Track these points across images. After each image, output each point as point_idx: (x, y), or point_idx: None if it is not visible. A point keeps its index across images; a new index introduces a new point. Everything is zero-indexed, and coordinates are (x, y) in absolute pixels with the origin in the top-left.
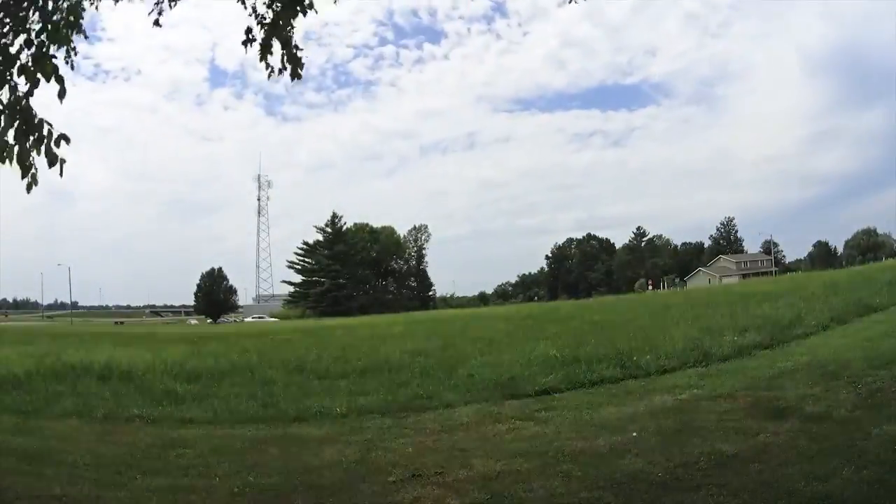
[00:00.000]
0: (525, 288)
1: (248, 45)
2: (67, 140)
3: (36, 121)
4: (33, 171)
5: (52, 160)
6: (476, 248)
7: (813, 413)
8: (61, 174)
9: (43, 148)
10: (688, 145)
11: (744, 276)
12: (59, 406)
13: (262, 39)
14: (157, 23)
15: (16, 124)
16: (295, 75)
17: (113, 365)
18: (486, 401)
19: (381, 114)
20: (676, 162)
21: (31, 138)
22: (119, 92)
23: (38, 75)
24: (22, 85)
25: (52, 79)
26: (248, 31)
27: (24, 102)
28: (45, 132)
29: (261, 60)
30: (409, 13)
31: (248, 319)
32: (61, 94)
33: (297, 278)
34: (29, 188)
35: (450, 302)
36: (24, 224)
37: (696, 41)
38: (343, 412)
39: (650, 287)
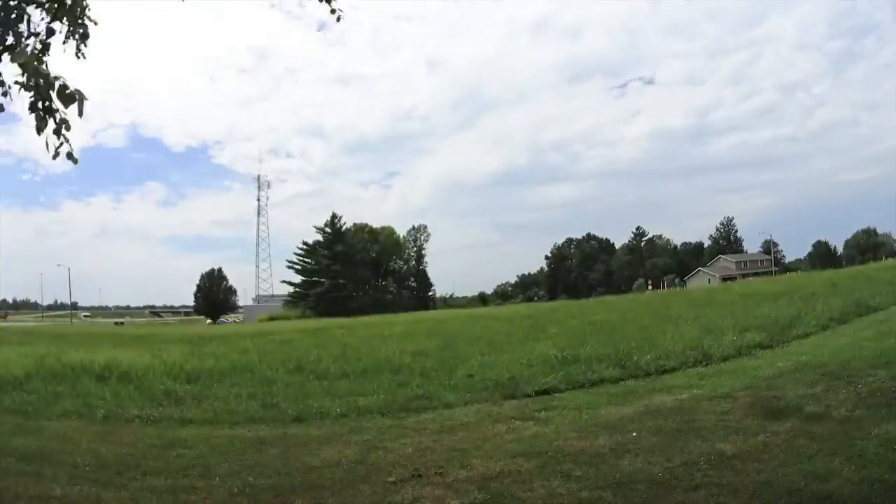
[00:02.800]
0: (525, 288)
1: None
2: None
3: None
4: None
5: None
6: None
7: (813, 413)
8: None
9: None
10: None
11: (743, 276)
12: (59, 406)
13: None
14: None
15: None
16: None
17: (113, 365)
18: (486, 401)
19: None
20: None
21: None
22: None
23: None
24: None
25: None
26: None
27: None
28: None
29: None
30: None
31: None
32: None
33: (297, 278)
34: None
35: (449, 302)
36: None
37: None
38: (343, 412)
39: (650, 287)
